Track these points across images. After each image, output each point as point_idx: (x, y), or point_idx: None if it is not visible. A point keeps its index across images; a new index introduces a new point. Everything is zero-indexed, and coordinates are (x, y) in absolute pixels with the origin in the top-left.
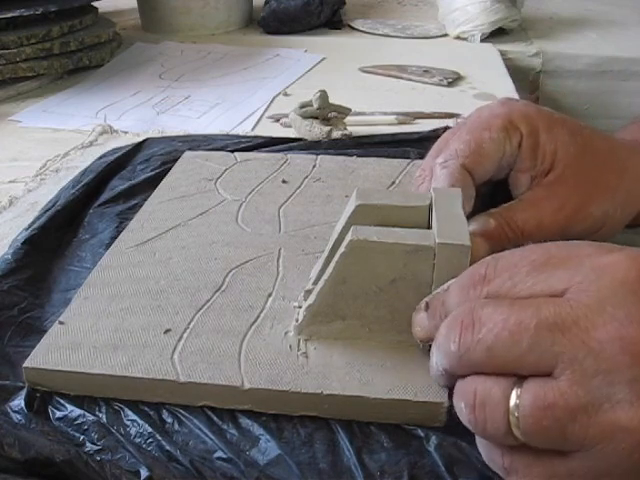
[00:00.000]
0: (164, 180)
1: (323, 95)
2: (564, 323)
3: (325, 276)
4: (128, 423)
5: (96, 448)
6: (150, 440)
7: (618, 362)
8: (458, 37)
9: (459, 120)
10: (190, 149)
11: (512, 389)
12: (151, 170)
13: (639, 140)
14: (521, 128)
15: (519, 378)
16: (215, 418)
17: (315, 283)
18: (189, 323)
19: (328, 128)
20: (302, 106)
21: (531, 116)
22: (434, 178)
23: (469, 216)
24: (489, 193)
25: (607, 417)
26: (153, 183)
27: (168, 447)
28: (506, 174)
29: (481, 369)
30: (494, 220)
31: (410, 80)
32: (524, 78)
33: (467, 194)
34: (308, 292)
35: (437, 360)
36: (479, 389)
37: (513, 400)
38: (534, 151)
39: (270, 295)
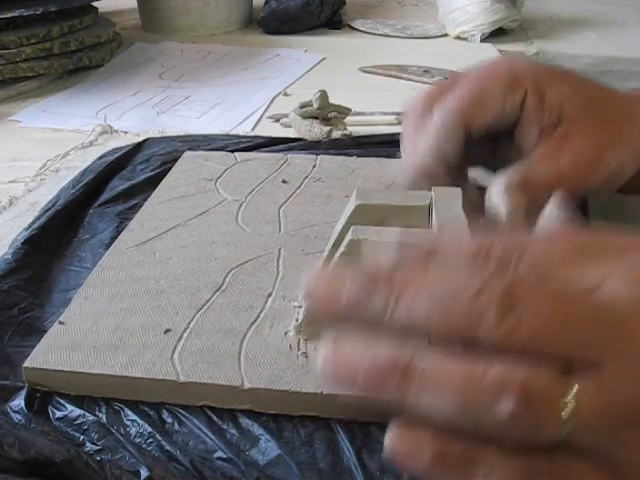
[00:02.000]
0: (164, 180)
1: (323, 95)
2: (612, 318)
3: None
4: (128, 423)
5: (96, 448)
6: (150, 440)
7: None
8: (458, 37)
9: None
10: (190, 149)
11: (568, 380)
12: (151, 170)
13: None
14: (525, 84)
15: (566, 367)
16: (215, 418)
17: None
18: (189, 323)
19: (328, 128)
20: (302, 106)
21: (535, 71)
22: (432, 123)
23: (462, 166)
24: (490, 151)
25: None
26: (153, 183)
27: (168, 447)
28: (508, 133)
29: (519, 350)
30: (515, 177)
31: (410, 80)
32: None
33: (455, 137)
34: None
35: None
36: (531, 376)
37: (570, 394)
38: (540, 105)
39: (270, 295)
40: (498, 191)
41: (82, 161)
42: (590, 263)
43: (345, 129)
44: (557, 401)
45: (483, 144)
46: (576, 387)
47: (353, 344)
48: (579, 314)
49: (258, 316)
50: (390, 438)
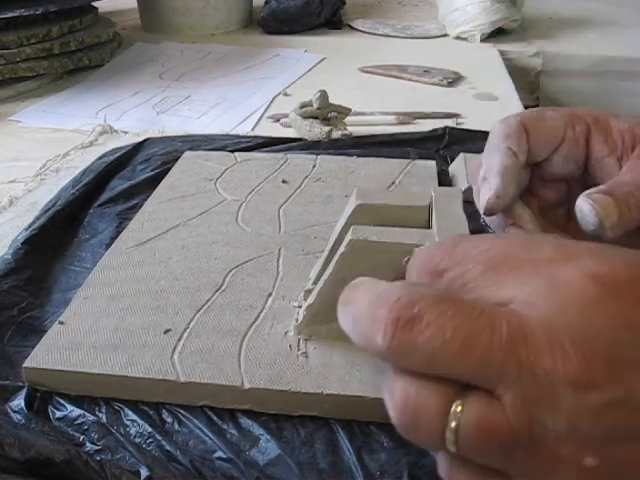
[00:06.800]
0: (164, 180)
1: (323, 95)
2: (515, 341)
3: (325, 276)
4: (128, 423)
5: (96, 448)
6: (150, 440)
7: (559, 393)
8: (458, 37)
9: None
10: (190, 149)
11: (452, 402)
12: (151, 170)
13: None
14: (585, 118)
15: (458, 388)
16: (215, 418)
17: (315, 283)
18: (189, 323)
19: (328, 128)
20: (302, 106)
21: (594, 110)
22: (492, 131)
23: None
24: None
25: (550, 449)
26: (153, 183)
27: (168, 447)
28: (577, 176)
29: (415, 371)
30: (604, 193)
31: (410, 80)
32: (524, 78)
33: (521, 146)
34: (308, 292)
35: (356, 339)
36: (412, 394)
37: (453, 416)
38: (608, 134)
39: (270, 295)
40: (583, 200)
41: (82, 161)
42: (509, 275)
43: (345, 129)
44: (437, 418)
45: (558, 190)
46: (459, 408)
47: None
48: (477, 345)
49: (258, 316)
50: None
